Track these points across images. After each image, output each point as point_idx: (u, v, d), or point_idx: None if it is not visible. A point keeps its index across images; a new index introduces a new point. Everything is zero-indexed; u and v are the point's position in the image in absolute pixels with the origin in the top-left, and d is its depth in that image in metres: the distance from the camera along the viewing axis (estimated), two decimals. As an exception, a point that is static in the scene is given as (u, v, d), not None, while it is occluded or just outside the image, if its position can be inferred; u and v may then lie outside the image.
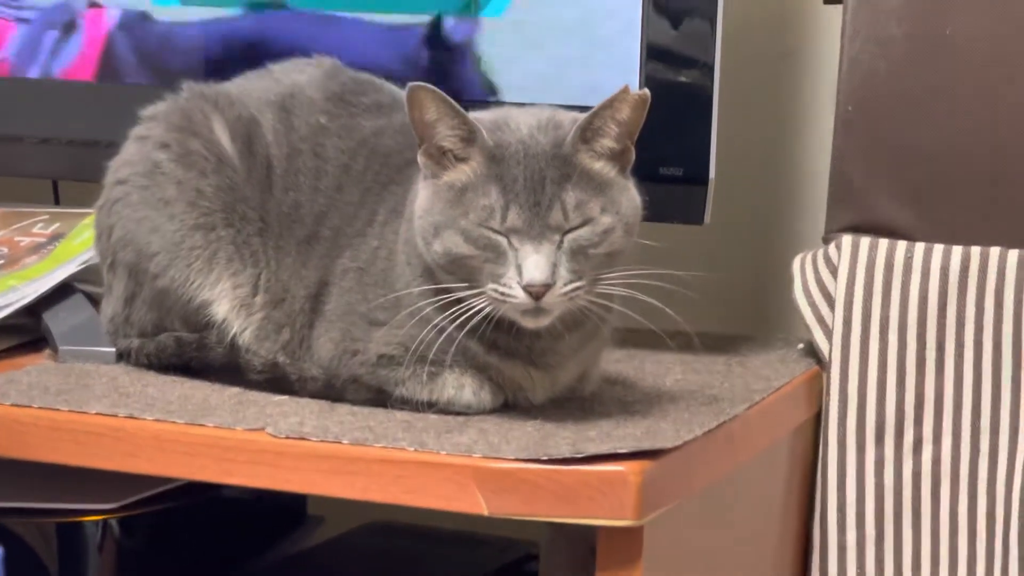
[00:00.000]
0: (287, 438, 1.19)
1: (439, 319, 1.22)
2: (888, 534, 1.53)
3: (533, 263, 1.18)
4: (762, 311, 1.81)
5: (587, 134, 1.22)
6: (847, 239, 1.57)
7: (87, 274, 1.54)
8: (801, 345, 1.65)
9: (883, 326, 1.54)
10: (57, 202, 1.86)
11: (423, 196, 1.24)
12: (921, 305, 1.53)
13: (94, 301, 1.52)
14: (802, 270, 1.61)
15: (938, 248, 1.53)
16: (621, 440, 1.18)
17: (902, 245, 1.54)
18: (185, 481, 1.41)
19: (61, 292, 1.51)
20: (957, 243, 1.53)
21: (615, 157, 1.23)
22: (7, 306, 1.46)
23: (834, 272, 1.57)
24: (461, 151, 1.22)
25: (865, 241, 1.56)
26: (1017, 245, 1.52)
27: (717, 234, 1.64)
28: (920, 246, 1.54)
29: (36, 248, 1.57)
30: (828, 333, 1.56)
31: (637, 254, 1.25)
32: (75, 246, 1.56)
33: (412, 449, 1.16)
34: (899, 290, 1.54)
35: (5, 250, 1.57)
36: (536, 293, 1.18)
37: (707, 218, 1.53)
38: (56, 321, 1.47)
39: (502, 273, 1.19)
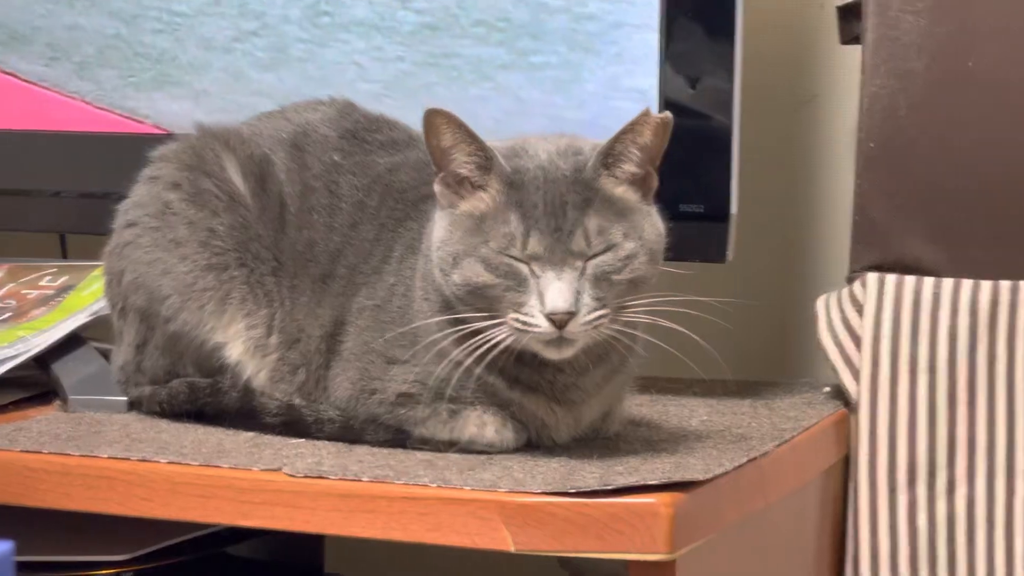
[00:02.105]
0: (305, 477, 1.15)
1: (457, 352, 1.19)
2: (923, 578, 1.49)
3: (556, 290, 1.15)
4: (783, 353, 1.77)
5: (608, 159, 1.19)
6: (872, 277, 1.53)
7: (96, 327, 1.51)
8: (827, 388, 1.61)
9: (912, 365, 1.50)
10: (65, 255, 1.83)
11: (440, 226, 1.21)
12: (951, 343, 1.49)
13: (104, 355, 1.49)
14: (827, 310, 1.57)
15: (966, 283, 1.50)
16: (650, 473, 1.14)
17: (929, 281, 1.51)
18: (200, 533, 1.37)
19: (70, 343, 1.48)
20: (982, 279, 1.50)
21: (637, 182, 1.20)
22: (15, 357, 1.43)
23: (860, 311, 1.53)
24: (478, 178, 1.19)
25: (891, 278, 1.52)
26: (1042, 280, 1.49)
27: (738, 272, 1.61)
28: (948, 282, 1.50)
29: (44, 300, 1.54)
30: (855, 373, 1.52)
31: (662, 284, 1.22)
32: (84, 297, 1.53)
33: (435, 486, 1.12)
34: (927, 328, 1.50)
35: (13, 303, 1.55)
36: (559, 321, 1.15)
37: (730, 256, 1.50)
38: (65, 372, 1.44)
39: (523, 302, 1.16)
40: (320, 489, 1.14)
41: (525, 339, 1.17)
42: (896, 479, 1.50)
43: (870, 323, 1.52)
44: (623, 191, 1.20)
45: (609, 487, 1.09)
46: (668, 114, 1.20)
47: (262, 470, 1.17)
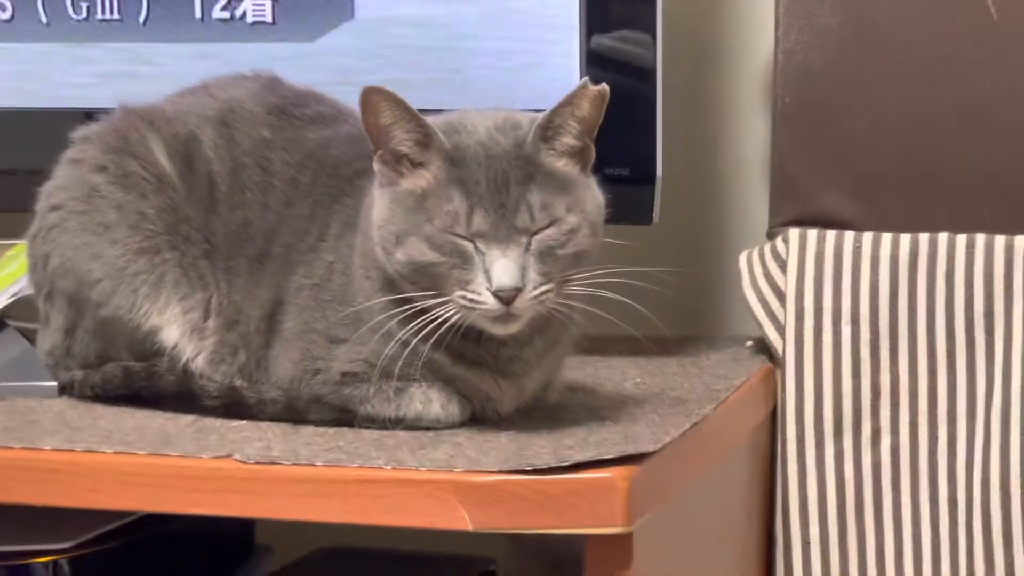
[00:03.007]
0: (257, 463, 1.14)
1: (403, 332, 1.18)
2: (851, 527, 1.52)
3: (502, 267, 1.15)
4: (700, 307, 1.79)
5: (548, 132, 1.19)
6: (794, 232, 1.55)
7: (16, 308, 1.48)
8: (750, 343, 1.63)
9: (835, 318, 1.52)
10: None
11: (381, 205, 1.20)
12: (872, 294, 1.51)
13: (26, 336, 1.46)
14: (749, 266, 1.59)
15: (886, 236, 1.52)
16: (599, 446, 1.15)
17: (850, 235, 1.53)
18: (134, 517, 1.36)
19: (-11, 327, 1.45)
20: (898, 231, 1.52)
21: (576, 155, 1.20)
22: (-63, 345, 1.40)
23: (782, 266, 1.55)
24: (418, 155, 1.19)
25: (812, 233, 1.54)
26: (957, 231, 1.51)
27: (655, 233, 1.62)
28: (868, 235, 1.53)
29: (-39, 283, 1.51)
30: (780, 328, 1.54)
31: (602, 255, 1.22)
32: (2, 278, 1.50)
33: (389, 467, 1.12)
34: (849, 280, 1.52)
35: (-71, 287, 1.51)
36: (506, 298, 1.15)
37: (655, 218, 1.51)
38: (-11, 356, 1.41)
39: (470, 279, 1.16)
40: (273, 475, 1.13)
41: (472, 316, 1.17)
42: (823, 431, 1.52)
43: (793, 278, 1.54)
44: (563, 164, 1.20)
45: (565, 463, 1.10)
46: (605, 86, 1.19)
47: (212, 457, 1.15)
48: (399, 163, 1.19)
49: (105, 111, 1.43)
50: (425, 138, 1.18)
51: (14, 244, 1.57)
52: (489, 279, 1.15)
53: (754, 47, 1.72)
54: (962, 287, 1.49)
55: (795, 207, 1.59)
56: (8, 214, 1.71)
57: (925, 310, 1.51)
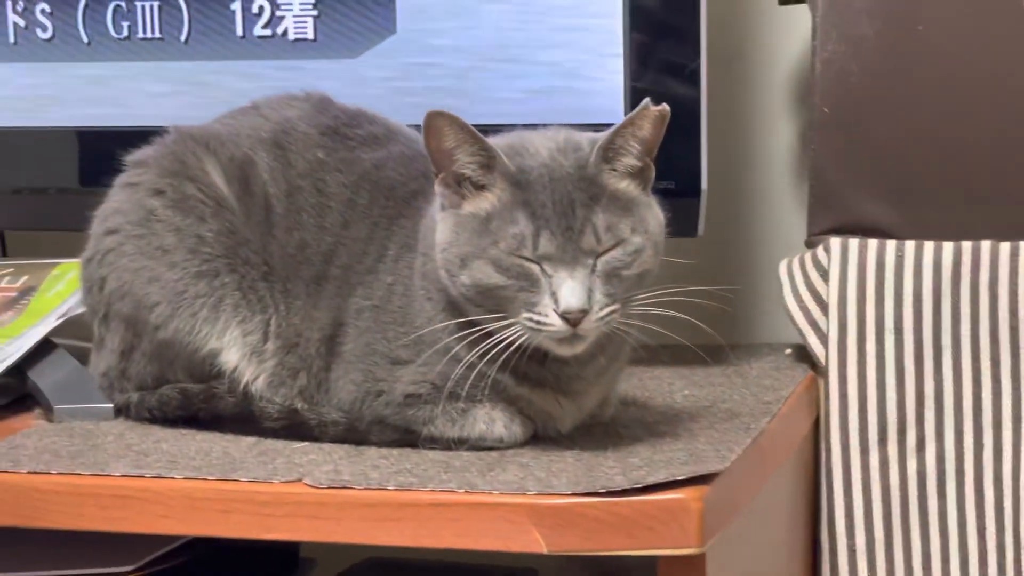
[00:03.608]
0: (328, 488, 1.14)
1: (470, 354, 1.19)
2: (897, 534, 1.53)
3: (569, 289, 1.16)
4: (736, 317, 1.80)
5: (609, 153, 1.19)
6: (835, 241, 1.56)
7: (65, 327, 1.48)
8: (789, 350, 1.64)
9: (879, 326, 1.53)
10: (4, 253, 1.80)
11: (444, 228, 1.20)
12: (916, 303, 1.52)
13: (74, 354, 1.47)
14: (790, 274, 1.60)
15: (928, 245, 1.53)
16: (668, 466, 1.16)
17: (892, 244, 1.54)
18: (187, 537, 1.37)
19: (42, 348, 1.45)
20: (937, 239, 1.53)
21: (637, 175, 1.21)
22: (-6, 367, 1.41)
23: (824, 275, 1.56)
24: (481, 178, 1.19)
25: (854, 242, 1.55)
26: (997, 238, 1.52)
27: (694, 245, 1.63)
28: (910, 244, 1.53)
29: (9, 303, 1.51)
30: (823, 337, 1.55)
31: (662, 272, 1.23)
32: (50, 299, 1.50)
33: (462, 491, 1.12)
34: (892, 290, 1.53)
35: (-23, 307, 1.52)
36: (574, 320, 1.16)
37: (701, 230, 1.51)
38: (43, 379, 1.42)
39: (536, 301, 1.16)
40: (344, 500, 1.14)
41: (538, 338, 1.18)
42: (867, 439, 1.53)
43: (835, 287, 1.54)
44: (626, 185, 1.20)
45: (639, 485, 1.10)
46: (666, 107, 1.20)
47: (282, 482, 1.16)
48: (461, 185, 1.20)
49: (149, 129, 1.44)
50: (488, 161, 1.19)
51: (57, 263, 1.57)
52: (556, 301, 1.16)
53: (789, 56, 1.72)
54: (1006, 294, 1.50)
55: (834, 215, 1.59)
56: (48, 232, 1.72)
57: (969, 318, 1.51)
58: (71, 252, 1.59)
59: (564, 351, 1.19)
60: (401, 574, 1.64)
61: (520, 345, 1.18)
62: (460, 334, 1.20)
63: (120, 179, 1.37)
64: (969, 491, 1.52)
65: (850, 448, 1.53)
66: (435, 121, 1.18)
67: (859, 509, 1.53)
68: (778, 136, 1.75)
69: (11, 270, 1.57)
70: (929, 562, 1.52)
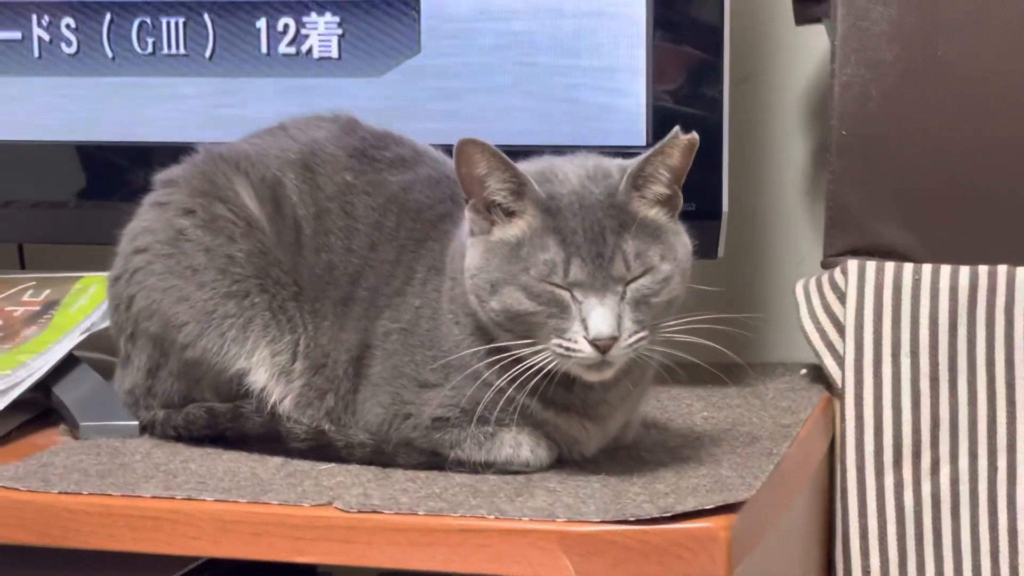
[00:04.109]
0: (359, 512, 1.15)
1: (500, 380, 1.20)
2: (911, 556, 1.54)
3: (599, 316, 1.17)
4: (748, 336, 1.80)
5: (639, 181, 1.20)
6: (852, 263, 1.57)
7: (87, 340, 1.49)
8: (804, 371, 1.65)
9: (895, 349, 1.54)
10: (23, 265, 1.81)
11: (474, 253, 1.21)
12: (932, 326, 1.53)
13: (96, 368, 1.47)
14: (807, 296, 1.61)
15: (945, 268, 1.54)
16: (694, 493, 1.17)
17: (909, 267, 1.55)
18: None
19: (65, 363, 1.46)
20: (953, 262, 1.54)
21: (665, 203, 1.22)
22: (20, 384, 1.41)
23: (841, 297, 1.57)
24: (512, 204, 1.20)
25: (871, 265, 1.56)
26: (1014, 262, 1.53)
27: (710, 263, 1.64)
28: (927, 267, 1.55)
29: (32, 318, 1.52)
30: (839, 359, 1.56)
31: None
32: (73, 314, 1.51)
33: (492, 517, 1.13)
34: (909, 312, 1.54)
35: (0, 321, 1.52)
36: (603, 346, 1.17)
37: (720, 252, 1.52)
38: (67, 394, 1.43)
39: (566, 328, 1.17)
40: (375, 524, 1.15)
41: (567, 364, 1.19)
42: (883, 461, 1.54)
43: (852, 310, 1.56)
44: (655, 213, 1.21)
45: (668, 514, 1.11)
46: (695, 135, 1.21)
47: (313, 505, 1.17)
48: (491, 211, 1.21)
49: (173, 146, 1.45)
50: (519, 188, 1.19)
51: (80, 277, 1.58)
52: (586, 328, 1.17)
53: (804, 76, 1.73)
54: (1022, 319, 1.51)
55: (850, 237, 1.60)
56: (69, 246, 1.73)
57: (984, 341, 1.53)
58: (88, 264, 1.60)
59: (592, 377, 1.20)
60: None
61: (549, 371, 1.19)
62: (489, 359, 1.21)
63: (149, 198, 1.38)
64: (983, 514, 1.53)
65: (865, 470, 1.55)
66: (467, 148, 1.19)
67: (874, 531, 1.55)
68: (793, 156, 1.76)
69: (33, 284, 1.58)
70: (942, 584, 1.54)
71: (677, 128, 1.20)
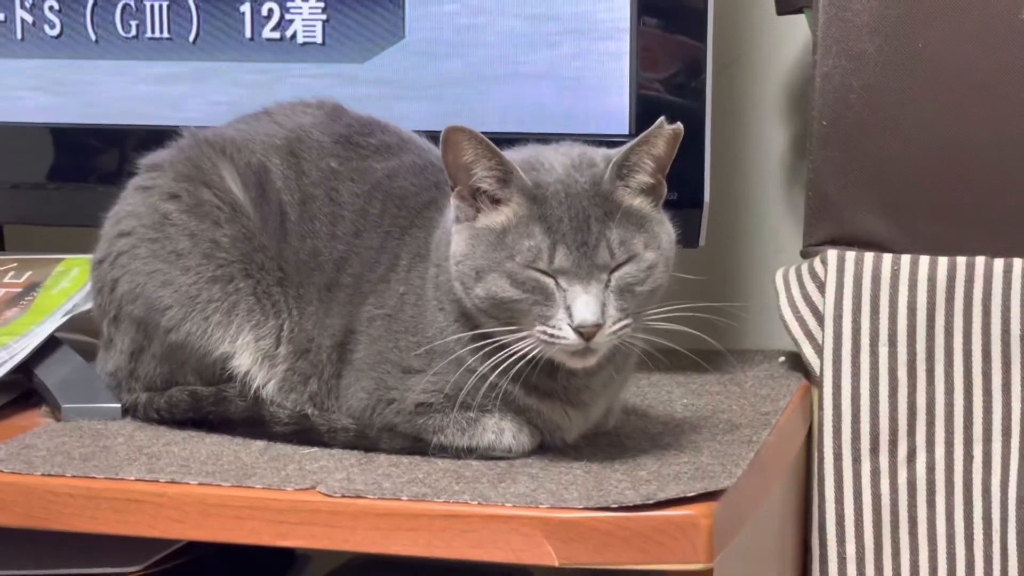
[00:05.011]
0: (342, 497, 1.16)
1: (483, 366, 1.21)
2: (886, 543, 1.55)
3: (583, 304, 1.17)
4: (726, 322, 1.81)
5: (623, 170, 1.21)
6: (832, 253, 1.58)
7: (69, 324, 1.50)
8: (783, 358, 1.66)
9: (873, 339, 1.55)
10: (2, 247, 1.81)
11: (459, 240, 1.22)
12: (910, 317, 1.55)
13: (77, 349, 1.48)
14: (786, 284, 1.62)
15: (924, 259, 1.55)
16: (676, 480, 1.18)
17: (888, 258, 1.56)
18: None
19: (47, 345, 1.46)
20: (932, 253, 1.55)
21: (649, 192, 1.23)
22: (2, 364, 1.41)
23: (820, 287, 1.58)
24: (497, 192, 1.21)
25: (851, 255, 1.57)
26: (993, 254, 1.55)
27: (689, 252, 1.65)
28: (906, 258, 1.56)
29: (14, 300, 1.52)
30: (818, 348, 1.57)
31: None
32: (55, 296, 1.51)
33: (475, 503, 1.14)
34: (887, 303, 1.55)
35: (-18, 303, 1.52)
36: (587, 334, 1.18)
37: (702, 241, 1.53)
38: (49, 377, 1.43)
39: (550, 315, 1.18)
40: (358, 508, 1.16)
41: (551, 351, 1.19)
42: (860, 448, 1.55)
43: (831, 299, 1.57)
44: (639, 202, 1.22)
45: (650, 501, 1.12)
46: (679, 125, 1.22)
47: (296, 490, 1.18)
48: (477, 199, 1.21)
49: (154, 129, 1.45)
50: (505, 175, 1.20)
51: (61, 259, 1.58)
52: (571, 315, 1.18)
53: (784, 65, 1.74)
54: (999, 310, 1.53)
55: (830, 227, 1.61)
56: (51, 228, 1.73)
57: (962, 332, 1.54)
58: (69, 246, 1.60)
59: (576, 364, 1.21)
60: (394, 571, 1.65)
61: (533, 357, 1.19)
62: (473, 346, 1.21)
63: (134, 182, 1.38)
64: (958, 501, 1.54)
65: (842, 457, 1.56)
66: (454, 135, 1.19)
67: (850, 517, 1.56)
68: (772, 145, 1.77)
69: (15, 265, 1.58)
70: (917, 570, 1.55)
71: (662, 118, 1.21)
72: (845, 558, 1.56)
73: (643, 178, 1.22)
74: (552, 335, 1.18)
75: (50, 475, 1.22)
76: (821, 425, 1.56)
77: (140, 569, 1.34)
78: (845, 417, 1.55)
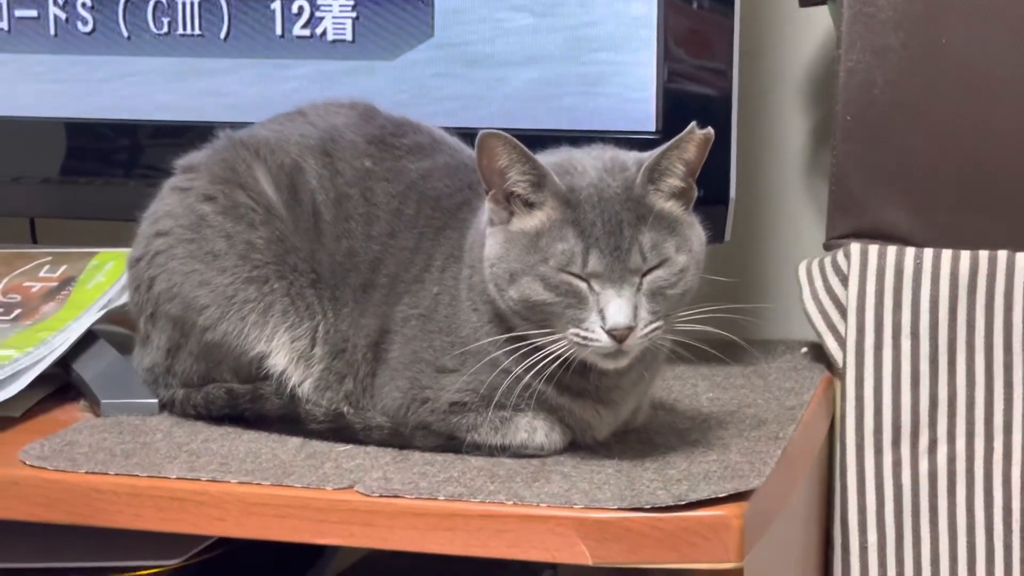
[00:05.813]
0: (380, 496, 1.18)
1: (517, 367, 1.23)
2: (907, 533, 1.58)
3: (616, 307, 1.20)
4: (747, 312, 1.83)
5: (655, 174, 1.23)
6: (855, 246, 1.60)
7: (105, 316, 1.52)
8: (805, 349, 1.68)
9: (896, 332, 1.57)
10: (35, 240, 1.83)
11: (493, 243, 1.24)
12: (932, 310, 1.56)
13: (111, 341, 1.50)
14: (809, 277, 1.64)
15: (946, 253, 1.57)
16: (707, 479, 1.20)
17: (911, 251, 1.58)
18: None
19: (84, 340, 1.48)
20: (954, 247, 1.57)
21: (680, 195, 1.25)
22: (41, 361, 1.44)
23: (843, 280, 1.60)
24: (531, 196, 1.23)
25: (874, 249, 1.59)
26: (1014, 248, 1.56)
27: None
28: (929, 252, 1.57)
29: (50, 294, 1.54)
30: (840, 340, 1.59)
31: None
32: (91, 291, 1.53)
33: (511, 503, 1.16)
34: (910, 296, 1.57)
35: (18, 297, 1.54)
36: (620, 336, 1.20)
37: (727, 237, 1.55)
38: (87, 371, 1.45)
39: (584, 318, 1.20)
40: (396, 508, 1.18)
41: (584, 353, 1.22)
42: (882, 440, 1.58)
43: (855, 292, 1.59)
44: (670, 205, 1.24)
45: (683, 502, 1.15)
46: (710, 130, 1.24)
47: (335, 489, 1.20)
48: (510, 202, 1.23)
49: (186, 125, 1.46)
50: (539, 179, 1.22)
51: (95, 252, 1.60)
52: (603, 318, 1.20)
53: (805, 59, 1.75)
54: (1020, 304, 1.55)
55: (853, 220, 1.63)
56: (83, 221, 1.75)
57: (983, 325, 1.56)
58: (101, 240, 1.63)
59: (609, 365, 1.23)
60: (421, 561, 1.68)
61: (566, 359, 1.22)
62: (507, 347, 1.23)
63: (170, 182, 1.40)
64: (979, 492, 1.57)
65: (864, 448, 1.58)
66: (488, 141, 1.21)
67: (872, 507, 1.58)
68: (796, 138, 1.79)
69: (49, 259, 1.60)
70: (938, 559, 1.58)
71: (694, 123, 1.23)
72: (867, 547, 1.58)
73: (674, 182, 1.24)
74: (585, 337, 1.20)
75: (94, 473, 1.24)
76: (844, 417, 1.58)
77: (180, 562, 1.36)
78: (867, 409, 1.58)
